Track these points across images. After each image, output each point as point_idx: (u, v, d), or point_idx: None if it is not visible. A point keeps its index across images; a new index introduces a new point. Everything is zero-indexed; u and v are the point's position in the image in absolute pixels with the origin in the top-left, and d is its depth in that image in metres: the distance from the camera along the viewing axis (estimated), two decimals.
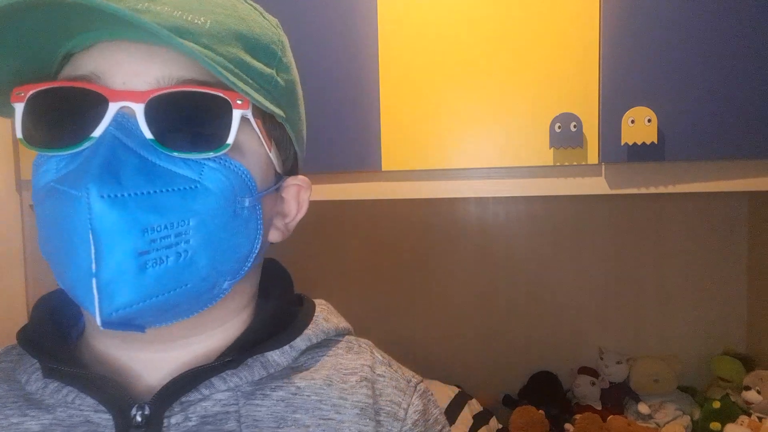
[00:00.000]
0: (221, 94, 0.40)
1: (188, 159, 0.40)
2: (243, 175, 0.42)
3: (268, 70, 0.45)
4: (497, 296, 1.44)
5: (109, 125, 0.38)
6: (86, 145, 0.39)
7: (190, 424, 0.42)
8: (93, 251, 0.36)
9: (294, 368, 0.47)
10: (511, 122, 0.90)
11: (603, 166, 0.89)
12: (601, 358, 1.34)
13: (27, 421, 0.43)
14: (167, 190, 0.39)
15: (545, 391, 1.34)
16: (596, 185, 0.89)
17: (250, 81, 0.43)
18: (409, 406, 0.48)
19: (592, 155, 0.87)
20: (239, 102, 0.41)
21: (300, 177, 0.51)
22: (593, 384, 1.30)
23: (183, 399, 0.43)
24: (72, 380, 0.44)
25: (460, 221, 1.44)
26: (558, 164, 0.89)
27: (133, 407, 0.42)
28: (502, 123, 0.90)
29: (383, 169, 0.94)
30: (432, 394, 0.52)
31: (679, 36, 0.83)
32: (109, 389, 0.43)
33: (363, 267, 1.49)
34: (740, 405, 1.17)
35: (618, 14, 0.85)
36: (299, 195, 0.50)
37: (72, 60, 0.42)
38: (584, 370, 1.33)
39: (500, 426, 1.24)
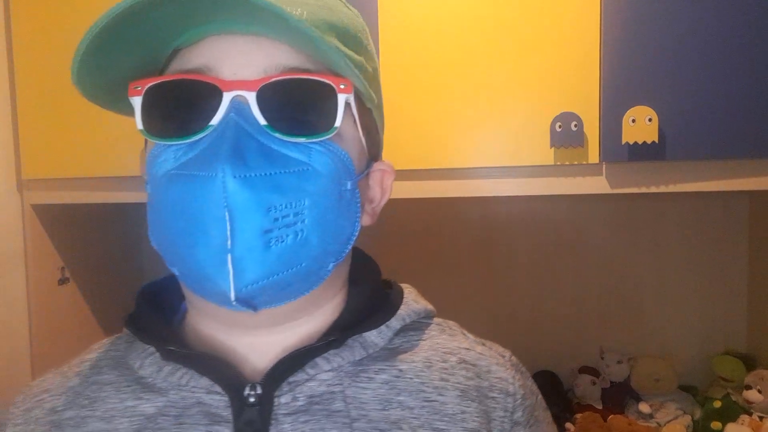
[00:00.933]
0: (327, 80, 0.42)
1: (298, 143, 0.41)
2: (344, 159, 0.44)
3: (358, 58, 0.47)
4: (497, 296, 1.44)
5: (231, 112, 0.40)
6: (205, 133, 0.41)
7: (298, 403, 0.44)
8: (228, 229, 0.38)
9: (391, 349, 0.48)
10: (511, 122, 0.90)
11: (603, 166, 0.89)
12: (602, 358, 1.34)
13: (142, 404, 0.45)
14: (285, 172, 0.40)
15: (546, 390, 1.33)
16: (597, 184, 0.90)
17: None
18: (514, 380, 0.50)
19: (593, 154, 0.87)
20: (342, 87, 0.42)
21: (384, 162, 0.52)
22: (594, 383, 1.30)
23: (290, 379, 0.44)
24: (187, 362, 0.45)
25: (460, 220, 1.44)
26: (559, 163, 0.89)
27: (246, 387, 0.43)
28: (502, 122, 0.90)
29: None
30: (522, 366, 0.54)
31: (679, 36, 0.84)
32: (223, 370, 0.44)
33: None
34: (741, 404, 1.17)
35: (618, 14, 0.85)
36: (383, 180, 0.52)
37: (180, 55, 0.44)
38: (585, 370, 1.33)
39: None
